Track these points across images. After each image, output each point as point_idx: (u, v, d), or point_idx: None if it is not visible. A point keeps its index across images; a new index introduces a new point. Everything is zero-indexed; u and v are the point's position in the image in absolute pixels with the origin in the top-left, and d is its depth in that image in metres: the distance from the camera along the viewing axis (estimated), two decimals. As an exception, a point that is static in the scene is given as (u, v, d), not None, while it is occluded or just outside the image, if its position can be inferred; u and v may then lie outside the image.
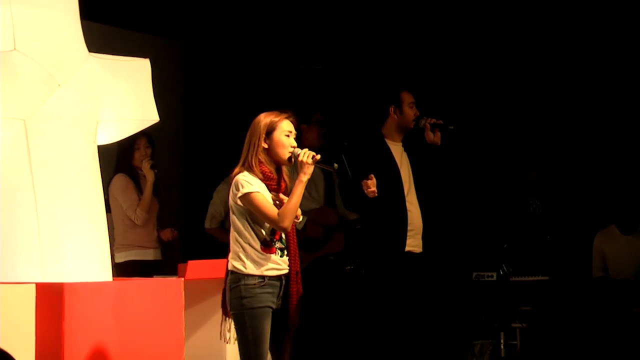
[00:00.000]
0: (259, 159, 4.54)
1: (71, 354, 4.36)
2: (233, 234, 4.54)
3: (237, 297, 4.48)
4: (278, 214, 4.46)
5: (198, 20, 8.62)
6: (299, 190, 4.49)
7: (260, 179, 4.53)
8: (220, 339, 4.66)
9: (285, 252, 4.58)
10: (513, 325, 7.16)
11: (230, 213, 4.56)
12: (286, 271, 4.57)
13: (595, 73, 7.96)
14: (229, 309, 4.55)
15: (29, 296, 4.39)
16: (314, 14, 8.40)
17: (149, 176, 6.73)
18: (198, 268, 5.44)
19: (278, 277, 4.54)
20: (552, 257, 7.62)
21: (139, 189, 6.78)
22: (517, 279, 7.27)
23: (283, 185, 4.62)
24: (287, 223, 4.48)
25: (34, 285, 4.43)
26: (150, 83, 5.23)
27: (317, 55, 8.62)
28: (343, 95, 8.51)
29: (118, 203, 6.71)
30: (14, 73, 4.62)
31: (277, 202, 4.56)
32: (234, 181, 4.53)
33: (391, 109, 6.32)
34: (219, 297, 4.69)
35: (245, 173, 4.52)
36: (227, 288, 4.54)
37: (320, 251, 6.91)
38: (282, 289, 4.55)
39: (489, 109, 8.18)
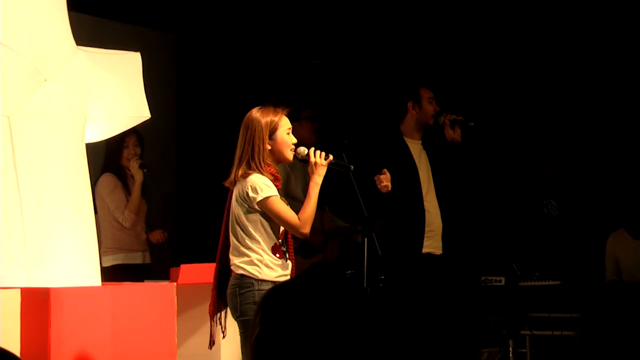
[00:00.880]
0: (266, 161, 4.55)
1: (58, 362, 4.35)
2: (240, 236, 4.54)
3: (250, 303, 4.50)
4: (299, 219, 4.47)
5: (192, 11, 8.60)
6: (315, 193, 4.51)
7: (270, 180, 4.55)
8: (210, 346, 4.66)
9: (287, 257, 4.61)
10: (522, 332, 7.14)
11: (236, 214, 4.55)
12: (288, 276, 4.60)
13: (608, 76, 7.95)
14: (237, 314, 4.56)
15: (14, 301, 4.37)
16: (312, 5, 8.39)
17: (138, 176, 6.71)
18: (191, 272, 5.44)
19: None
20: (564, 261, 7.61)
21: (127, 190, 6.77)
22: (526, 283, 7.25)
23: (279, 185, 4.64)
24: (307, 229, 4.53)
25: (19, 290, 4.41)
26: (142, 78, 5.22)
27: (316, 48, 8.61)
28: (343, 90, 8.50)
29: (105, 204, 6.69)
30: (-3, 67, 4.62)
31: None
32: (247, 182, 4.51)
33: (409, 105, 6.35)
34: (212, 303, 4.68)
35: (260, 175, 4.51)
36: (235, 292, 4.54)
37: (317, 257, 6.91)
38: None
39: (504, 104, 8.17)
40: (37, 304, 4.36)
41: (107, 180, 6.76)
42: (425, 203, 6.22)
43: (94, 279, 4.78)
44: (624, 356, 2.33)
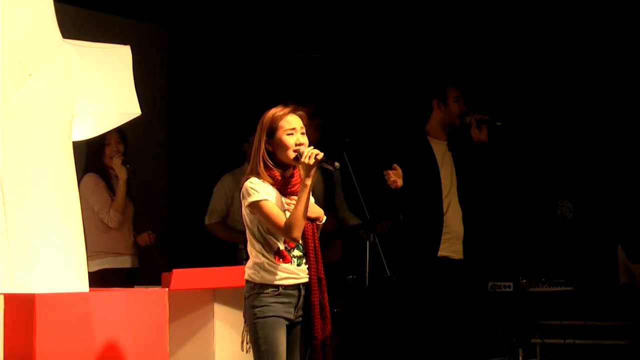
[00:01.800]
0: (266, 163, 4.56)
1: (43, 372, 4.33)
2: (249, 240, 4.60)
3: (250, 307, 4.55)
4: (285, 224, 4.46)
5: (183, 2, 8.59)
6: (304, 196, 4.49)
7: (270, 184, 4.54)
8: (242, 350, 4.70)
9: (304, 260, 4.60)
10: (533, 340, 7.14)
11: (243, 219, 4.61)
12: (305, 280, 4.59)
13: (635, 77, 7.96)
14: (244, 320, 4.62)
15: (-3, 308, 4.36)
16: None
17: (121, 174, 6.70)
18: (184, 277, 5.43)
19: (295, 287, 4.57)
20: (577, 266, 7.59)
21: (112, 189, 6.76)
22: (537, 289, 7.24)
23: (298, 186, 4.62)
24: (296, 233, 4.49)
25: (2, 296, 4.39)
26: (132, 72, 5.21)
27: (315, 41, 8.59)
28: (344, 85, 8.49)
29: (89, 205, 6.67)
30: (-21, 61, 4.60)
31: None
32: (243, 187, 4.56)
33: (434, 103, 6.39)
34: (206, 309, 4.70)
35: (253, 179, 4.55)
36: (244, 297, 4.62)
37: None
38: (302, 299, 4.57)
39: (523, 101, 8.16)
40: (21, 311, 4.34)
41: (90, 180, 6.75)
42: (444, 205, 6.23)
43: (82, 284, 4.77)
44: None
